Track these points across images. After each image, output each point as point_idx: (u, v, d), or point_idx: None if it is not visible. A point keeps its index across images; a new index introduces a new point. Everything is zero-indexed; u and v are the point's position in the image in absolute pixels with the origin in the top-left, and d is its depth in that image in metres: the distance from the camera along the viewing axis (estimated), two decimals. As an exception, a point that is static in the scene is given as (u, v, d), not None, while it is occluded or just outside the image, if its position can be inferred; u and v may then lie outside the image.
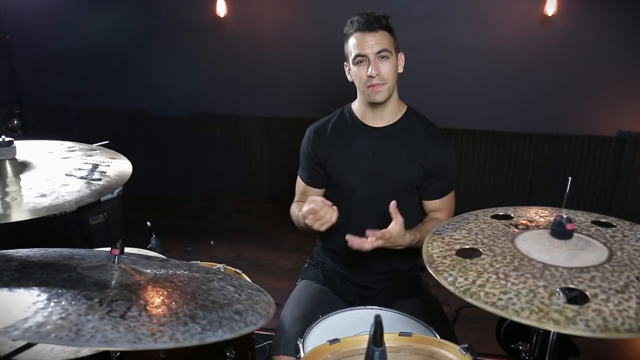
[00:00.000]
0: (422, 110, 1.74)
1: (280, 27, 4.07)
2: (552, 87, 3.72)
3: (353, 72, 1.62)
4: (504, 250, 0.95)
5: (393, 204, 1.44)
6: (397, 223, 1.45)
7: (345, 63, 1.66)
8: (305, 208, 1.47)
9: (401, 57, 1.63)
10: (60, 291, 0.84)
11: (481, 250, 0.96)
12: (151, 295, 0.90)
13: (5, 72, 4.34)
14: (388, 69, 1.57)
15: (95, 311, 0.79)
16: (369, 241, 1.42)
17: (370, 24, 1.54)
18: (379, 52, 1.55)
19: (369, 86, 1.58)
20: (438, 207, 1.71)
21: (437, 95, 3.79)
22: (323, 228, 1.47)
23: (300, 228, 1.64)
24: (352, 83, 1.67)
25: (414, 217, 1.71)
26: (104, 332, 0.74)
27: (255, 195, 4.48)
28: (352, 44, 1.58)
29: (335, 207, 1.46)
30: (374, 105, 1.64)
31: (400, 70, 1.64)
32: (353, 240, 1.43)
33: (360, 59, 1.57)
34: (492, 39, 3.71)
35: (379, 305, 1.55)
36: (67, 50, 4.40)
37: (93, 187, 1.12)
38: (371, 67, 1.55)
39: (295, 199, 1.83)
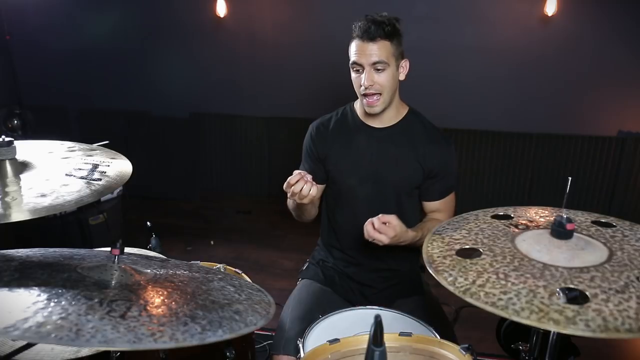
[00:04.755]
0: (422, 110, 1.74)
1: (280, 27, 4.07)
2: (552, 87, 3.72)
3: (352, 77, 1.62)
4: (504, 250, 0.95)
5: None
6: (393, 217, 1.47)
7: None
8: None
9: (404, 64, 1.61)
10: (60, 291, 0.84)
11: (481, 250, 0.96)
12: (151, 295, 0.90)
13: (5, 72, 4.33)
14: (384, 80, 1.55)
15: (95, 311, 0.79)
16: (375, 228, 1.45)
17: (370, 33, 1.51)
18: (374, 64, 1.53)
19: (363, 95, 1.58)
20: (437, 208, 1.71)
21: (437, 96, 3.79)
22: (305, 200, 1.47)
23: (296, 215, 1.73)
24: None
25: (414, 218, 1.72)
26: (104, 332, 0.74)
27: (255, 195, 4.47)
28: (351, 50, 1.57)
29: (313, 183, 1.46)
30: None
31: (402, 78, 1.62)
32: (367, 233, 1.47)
33: (357, 67, 1.57)
34: (492, 39, 3.71)
35: (379, 305, 1.56)
36: (67, 50, 4.40)
37: (93, 187, 1.11)
38: (364, 78, 1.54)
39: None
